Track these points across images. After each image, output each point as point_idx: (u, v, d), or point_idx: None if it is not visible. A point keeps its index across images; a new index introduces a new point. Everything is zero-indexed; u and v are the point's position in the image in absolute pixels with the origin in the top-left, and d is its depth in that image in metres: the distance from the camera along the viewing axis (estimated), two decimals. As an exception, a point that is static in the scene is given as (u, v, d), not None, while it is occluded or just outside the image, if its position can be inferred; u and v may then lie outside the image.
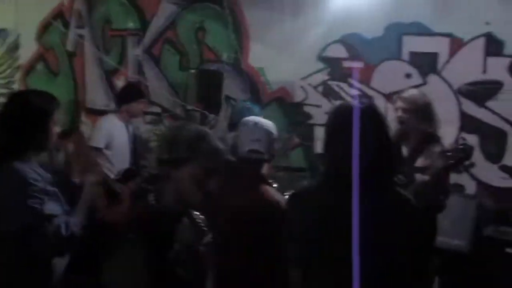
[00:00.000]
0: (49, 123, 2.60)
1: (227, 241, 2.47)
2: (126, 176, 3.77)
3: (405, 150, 3.59)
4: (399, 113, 3.45)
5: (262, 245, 2.38)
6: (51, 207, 2.48)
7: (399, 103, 3.46)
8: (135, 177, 3.34)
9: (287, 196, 4.17)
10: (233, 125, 3.86)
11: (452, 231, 4.25)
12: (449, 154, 3.07)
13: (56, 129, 2.69)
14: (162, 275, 2.23)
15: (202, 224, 2.24)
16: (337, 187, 1.90)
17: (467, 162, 3.04)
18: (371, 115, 1.98)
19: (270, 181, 2.64)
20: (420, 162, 3.33)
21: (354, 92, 5.39)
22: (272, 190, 2.55)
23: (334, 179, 1.94)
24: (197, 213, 2.30)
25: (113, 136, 4.76)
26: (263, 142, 2.48)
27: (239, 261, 2.42)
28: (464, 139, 3.33)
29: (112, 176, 4.13)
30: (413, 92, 3.43)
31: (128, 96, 4.95)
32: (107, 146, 4.73)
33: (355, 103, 2.01)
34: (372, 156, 1.88)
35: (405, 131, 3.44)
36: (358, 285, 1.69)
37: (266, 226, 2.37)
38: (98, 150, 4.66)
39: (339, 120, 1.98)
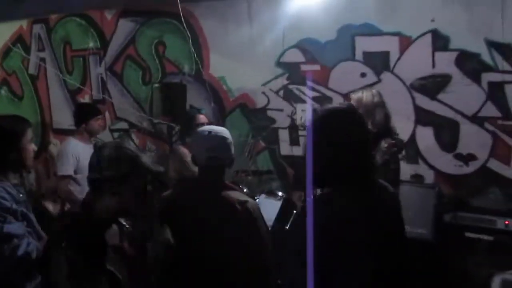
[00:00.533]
0: (21, 142, 2.74)
1: (198, 248, 2.52)
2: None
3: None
4: None
5: (233, 247, 2.47)
6: (14, 227, 2.52)
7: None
8: None
9: (256, 199, 4.29)
10: (184, 132, 3.92)
11: (414, 220, 4.39)
12: (384, 149, 3.20)
13: (32, 147, 2.83)
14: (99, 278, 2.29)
15: (130, 229, 2.29)
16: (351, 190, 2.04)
17: (400, 155, 3.14)
18: (355, 116, 2.14)
19: (237, 185, 2.72)
20: None
21: (313, 94, 5.51)
22: (237, 193, 2.62)
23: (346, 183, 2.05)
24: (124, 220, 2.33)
25: (79, 159, 4.70)
26: (219, 149, 2.57)
27: (212, 265, 2.50)
28: (397, 134, 3.40)
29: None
30: (361, 93, 3.51)
31: (84, 116, 4.87)
32: (75, 171, 4.71)
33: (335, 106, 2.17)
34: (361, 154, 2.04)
35: None
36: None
37: (236, 228, 2.47)
38: (67, 177, 4.66)
39: (332, 124, 2.11)
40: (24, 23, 6.70)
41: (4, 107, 7.02)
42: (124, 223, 2.24)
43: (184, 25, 5.68)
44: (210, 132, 2.59)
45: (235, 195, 2.58)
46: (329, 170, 2.07)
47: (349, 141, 2.08)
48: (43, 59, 6.69)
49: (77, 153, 4.72)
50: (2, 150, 2.70)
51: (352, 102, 3.55)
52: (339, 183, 2.10)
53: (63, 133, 6.52)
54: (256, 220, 2.54)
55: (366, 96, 3.50)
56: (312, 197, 4.45)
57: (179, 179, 3.44)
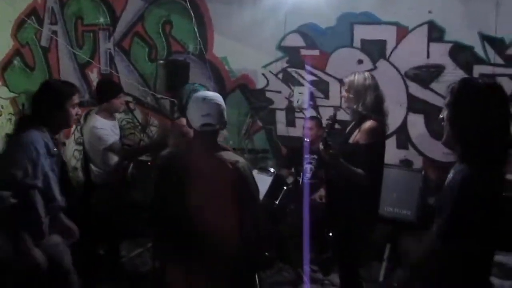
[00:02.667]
0: (66, 104, 3.07)
1: (192, 204, 2.53)
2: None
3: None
4: (343, 93, 3.52)
5: (225, 203, 2.50)
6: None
7: (344, 86, 3.53)
8: None
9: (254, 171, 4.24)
10: (183, 106, 3.82)
11: (400, 202, 4.35)
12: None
13: (76, 111, 3.15)
14: None
15: None
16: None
17: (335, 126, 3.36)
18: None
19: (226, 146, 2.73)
20: (353, 137, 3.41)
21: (311, 78, 5.43)
22: (229, 153, 2.63)
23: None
24: None
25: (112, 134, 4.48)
26: (213, 115, 2.55)
27: (204, 220, 2.52)
28: (335, 112, 3.43)
29: None
30: (353, 76, 3.46)
31: (108, 94, 4.57)
32: None
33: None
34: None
35: (347, 108, 3.52)
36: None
37: (227, 185, 2.49)
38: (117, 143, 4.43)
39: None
40: (38, -4, 6.61)
41: (16, 77, 6.95)
42: None
43: (188, 5, 5.58)
44: (204, 98, 2.56)
45: (227, 155, 2.59)
46: (479, 147, 2.11)
47: (502, 120, 2.13)
48: (55, 32, 6.60)
49: (109, 129, 4.44)
50: (50, 108, 3.03)
51: (345, 85, 3.47)
52: (487, 162, 2.12)
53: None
54: (247, 177, 2.56)
55: (357, 78, 3.43)
56: (306, 176, 4.41)
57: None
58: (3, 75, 7.03)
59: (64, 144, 6.72)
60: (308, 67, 5.45)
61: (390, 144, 5.16)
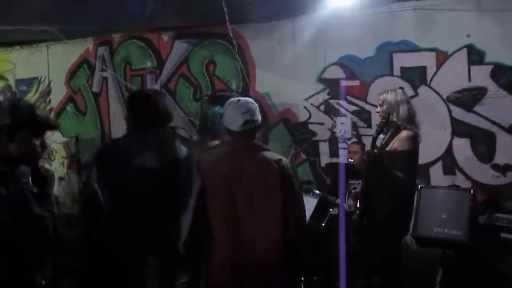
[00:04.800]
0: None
1: (240, 204, 2.60)
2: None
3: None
4: (377, 109, 3.81)
5: (274, 202, 2.55)
6: None
7: (378, 101, 3.77)
8: None
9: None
10: (204, 129, 3.93)
11: (450, 222, 4.26)
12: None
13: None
14: None
15: None
16: None
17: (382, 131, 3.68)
18: None
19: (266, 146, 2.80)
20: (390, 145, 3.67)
21: (353, 108, 5.52)
22: (270, 153, 2.68)
23: None
24: None
25: None
26: (252, 112, 2.65)
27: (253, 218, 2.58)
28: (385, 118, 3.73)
29: None
30: (386, 93, 3.77)
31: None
32: None
33: None
34: None
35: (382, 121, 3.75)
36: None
37: (276, 183, 2.55)
38: None
39: None
40: (90, 45, 7.05)
41: (69, 122, 7.34)
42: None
43: (234, 44, 5.83)
44: (239, 100, 2.69)
45: (270, 154, 2.65)
46: None
47: None
48: (105, 78, 6.99)
49: None
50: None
51: (379, 101, 3.75)
52: None
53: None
54: (291, 175, 2.61)
55: (390, 95, 3.75)
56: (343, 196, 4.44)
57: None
58: (57, 121, 7.43)
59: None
60: (349, 98, 5.56)
61: (437, 170, 5.15)
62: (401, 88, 4.36)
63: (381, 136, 3.71)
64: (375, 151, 3.57)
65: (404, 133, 3.61)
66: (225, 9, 4.89)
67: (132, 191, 2.49)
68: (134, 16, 5.07)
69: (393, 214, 3.51)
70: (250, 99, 2.75)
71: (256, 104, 2.73)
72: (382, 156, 3.53)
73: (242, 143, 2.69)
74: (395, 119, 3.62)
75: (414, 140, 3.63)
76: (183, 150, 2.65)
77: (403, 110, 3.63)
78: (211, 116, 3.79)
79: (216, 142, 3.67)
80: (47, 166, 7.17)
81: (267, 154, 2.65)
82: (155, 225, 2.45)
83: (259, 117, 2.69)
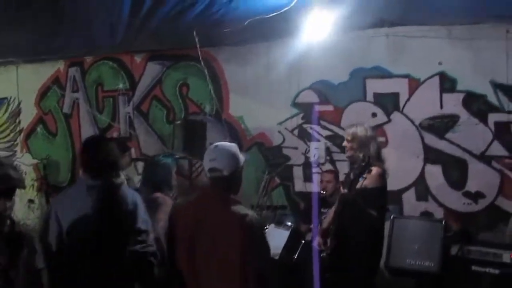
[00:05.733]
0: None
1: (197, 254, 2.51)
2: None
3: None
4: (345, 143, 3.73)
5: (233, 257, 2.42)
6: None
7: (345, 135, 3.77)
8: None
9: (266, 228, 4.24)
10: (146, 180, 3.89)
11: (422, 253, 4.28)
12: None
13: None
14: None
15: None
16: None
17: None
18: None
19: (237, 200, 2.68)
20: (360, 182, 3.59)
21: (326, 133, 5.52)
22: (240, 206, 2.55)
23: None
24: None
25: None
26: (219, 160, 2.54)
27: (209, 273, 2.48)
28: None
29: None
30: (355, 128, 3.84)
31: None
32: None
33: None
34: None
35: (350, 157, 3.78)
36: None
37: (236, 239, 2.43)
38: None
39: None
40: (61, 66, 6.94)
41: (39, 143, 7.20)
42: None
43: (204, 67, 5.78)
44: (216, 146, 2.61)
45: (237, 208, 2.53)
46: None
47: None
48: (76, 99, 6.88)
49: None
50: None
51: (347, 136, 3.71)
52: None
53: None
54: (255, 233, 2.47)
55: (360, 130, 3.81)
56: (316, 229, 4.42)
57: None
58: (27, 143, 7.29)
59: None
60: (322, 122, 5.56)
61: (409, 196, 5.16)
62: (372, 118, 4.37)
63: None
64: (346, 191, 3.54)
65: (375, 170, 3.59)
66: (195, 35, 4.87)
67: (80, 238, 2.76)
68: (105, 43, 5.00)
69: (367, 252, 3.50)
70: (226, 146, 2.63)
71: (234, 153, 2.59)
72: (356, 196, 3.50)
73: (209, 192, 2.60)
74: (361, 156, 3.61)
75: (383, 176, 3.65)
76: (129, 193, 2.94)
77: (373, 147, 3.64)
78: (158, 165, 3.76)
79: (158, 195, 3.64)
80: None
81: (234, 208, 2.51)
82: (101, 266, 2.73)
83: (228, 167, 2.53)
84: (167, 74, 6.33)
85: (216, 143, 2.67)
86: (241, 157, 2.62)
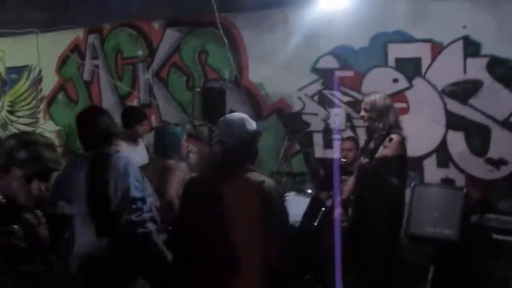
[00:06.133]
0: None
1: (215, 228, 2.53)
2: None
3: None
4: (363, 112, 3.67)
5: (252, 224, 2.44)
6: None
7: (363, 105, 3.71)
8: None
9: (286, 196, 4.28)
10: (157, 147, 3.91)
11: (442, 221, 4.28)
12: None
13: None
14: None
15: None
16: None
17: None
18: None
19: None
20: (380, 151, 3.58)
21: (346, 99, 5.47)
22: (255, 173, 2.57)
23: None
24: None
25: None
26: (224, 133, 2.58)
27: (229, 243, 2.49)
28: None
29: None
30: (373, 96, 3.76)
31: (131, 120, 4.81)
32: None
33: None
34: None
35: (369, 127, 3.72)
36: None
37: (253, 206, 2.45)
38: None
39: None
40: (80, 33, 6.95)
41: (61, 111, 7.29)
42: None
43: (222, 33, 5.73)
44: (224, 118, 2.65)
45: (253, 175, 2.54)
46: None
47: None
48: (96, 66, 6.91)
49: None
50: None
51: (365, 105, 3.65)
52: None
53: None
54: (272, 199, 2.48)
55: (378, 99, 3.72)
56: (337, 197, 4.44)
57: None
58: (49, 110, 7.39)
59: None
60: (343, 88, 5.50)
61: (430, 163, 5.12)
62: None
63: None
64: (368, 160, 3.49)
65: (394, 138, 3.55)
66: (213, 0, 4.82)
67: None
68: (122, 10, 4.98)
69: (388, 221, 3.50)
70: (235, 118, 2.65)
71: (242, 125, 2.60)
72: (376, 165, 3.48)
73: (221, 163, 2.60)
74: (384, 126, 3.57)
75: (403, 144, 3.62)
76: (121, 162, 2.95)
77: (391, 115, 3.58)
78: (166, 134, 3.78)
79: (171, 161, 3.67)
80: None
81: (249, 175, 2.53)
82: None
83: (233, 138, 2.55)
84: (185, 41, 6.30)
85: (225, 116, 2.69)
86: (251, 127, 2.62)
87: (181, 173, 3.75)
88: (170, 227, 3.25)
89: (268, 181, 2.52)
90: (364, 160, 3.58)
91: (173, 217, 3.14)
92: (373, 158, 3.51)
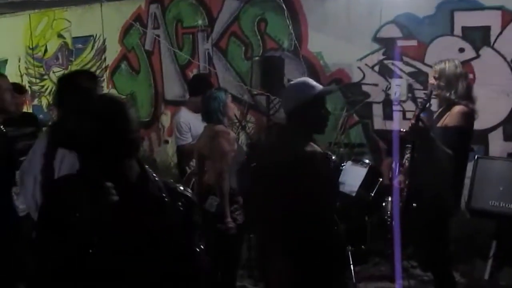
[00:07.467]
0: None
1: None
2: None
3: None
4: (431, 80, 3.52)
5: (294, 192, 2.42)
6: None
7: (432, 72, 3.56)
8: None
9: (343, 165, 4.24)
10: (203, 113, 3.91)
11: (507, 195, 4.14)
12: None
13: None
14: None
15: None
16: None
17: (428, 105, 3.44)
18: None
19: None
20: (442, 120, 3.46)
21: (409, 69, 5.32)
22: (307, 144, 2.54)
23: None
24: None
25: (190, 127, 4.61)
26: (284, 100, 2.66)
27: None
28: (431, 90, 3.51)
29: None
30: (443, 64, 3.49)
31: (198, 89, 4.68)
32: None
33: None
34: None
35: (436, 95, 3.53)
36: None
37: (294, 172, 2.43)
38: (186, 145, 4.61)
39: None
40: (142, 3, 7.07)
41: (124, 80, 7.49)
42: None
43: (282, 2, 5.67)
44: (286, 87, 2.66)
45: (308, 147, 2.51)
46: None
47: None
48: (157, 36, 7.03)
49: (188, 122, 4.62)
50: None
51: (434, 73, 3.50)
52: None
53: (174, 104, 6.84)
54: (319, 169, 2.48)
55: (449, 67, 3.47)
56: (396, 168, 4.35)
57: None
58: (112, 79, 7.61)
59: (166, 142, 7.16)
60: (405, 58, 5.35)
61: (497, 136, 4.93)
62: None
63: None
64: (422, 126, 3.27)
65: (458, 108, 3.37)
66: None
67: None
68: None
69: (442, 193, 3.34)
70: (299, 80, 2.66)
71: (296, 90, 2.59)
72: (429, 130, 3.29)
73: (280, 132, 2.64)
74: (452, 96, 3.39)
75: (468, 116, 3.38)
76: None
77: (462, 86, 3.41)
78: (209, 99, 3.78)
79: (219, 127, 3.70)
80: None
81: (304, 145, 2.50)
82: None
83: (288, 106, 2.57)
84: (245, 10, 6.28)
85: (291, 83, 2.68)
86: (309, 93, 2.54)
87: (229, 136, 3.78)
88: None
89: (319, 152, 2.51)
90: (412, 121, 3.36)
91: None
92: (435, 127, 3.39)
